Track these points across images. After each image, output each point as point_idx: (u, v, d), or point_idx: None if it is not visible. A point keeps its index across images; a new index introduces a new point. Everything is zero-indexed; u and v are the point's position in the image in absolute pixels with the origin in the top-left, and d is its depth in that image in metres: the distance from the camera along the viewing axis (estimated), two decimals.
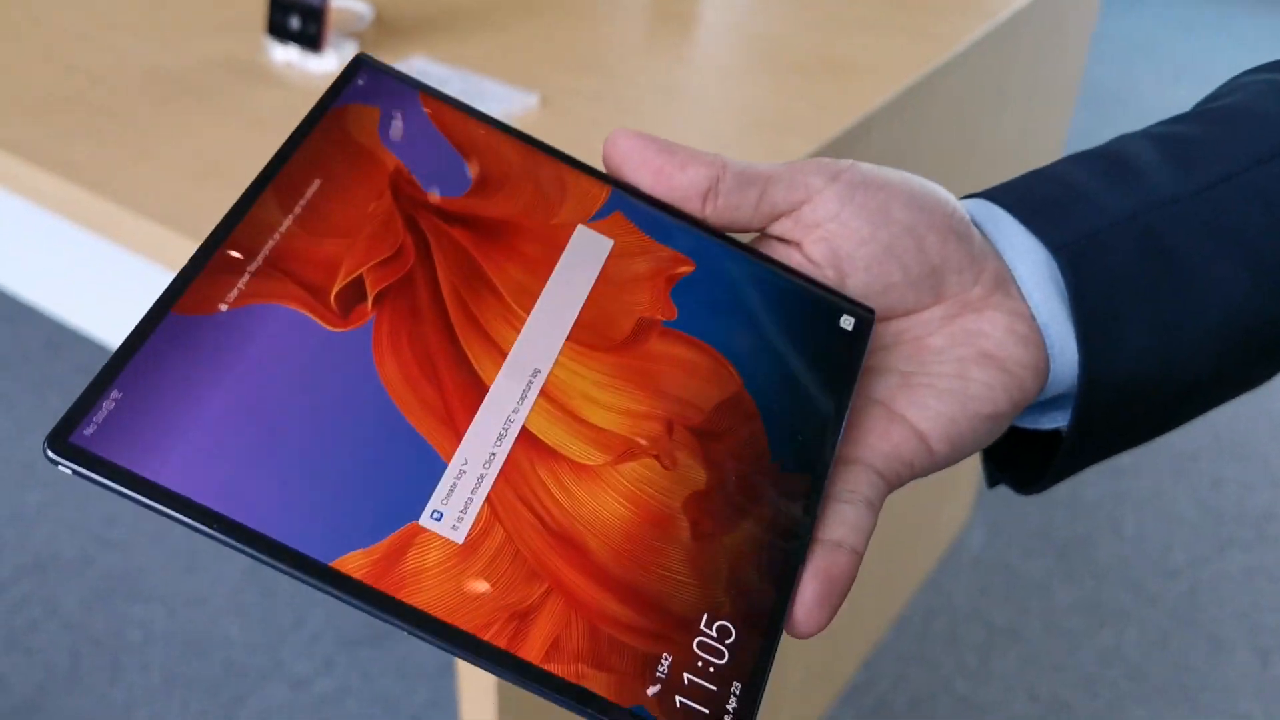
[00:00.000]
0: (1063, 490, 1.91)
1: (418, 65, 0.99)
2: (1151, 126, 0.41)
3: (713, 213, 0.35)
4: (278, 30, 0.99)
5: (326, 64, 0.99)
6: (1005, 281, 0.37)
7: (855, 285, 0.36)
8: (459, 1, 1.14)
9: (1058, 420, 0.39)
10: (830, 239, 0.36)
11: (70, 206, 0.83)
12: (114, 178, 0.83)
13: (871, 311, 0.35)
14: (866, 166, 0.36)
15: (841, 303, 0.35)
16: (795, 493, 0.31)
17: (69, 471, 0.26)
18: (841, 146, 0.94)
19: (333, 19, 1.01)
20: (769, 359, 0.34)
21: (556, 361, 0.32)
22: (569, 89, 0.98)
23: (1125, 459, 1.98)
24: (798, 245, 0.36)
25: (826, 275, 0.36)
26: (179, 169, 0.84)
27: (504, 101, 0.93)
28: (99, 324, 1.00)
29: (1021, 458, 0.43)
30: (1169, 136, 0.39)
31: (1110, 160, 0.39)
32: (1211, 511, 1.89)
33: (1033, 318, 0.36)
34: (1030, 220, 0.37)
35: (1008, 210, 0.38)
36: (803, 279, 0.36)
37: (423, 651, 1.59)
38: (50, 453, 0.26)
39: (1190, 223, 0.37)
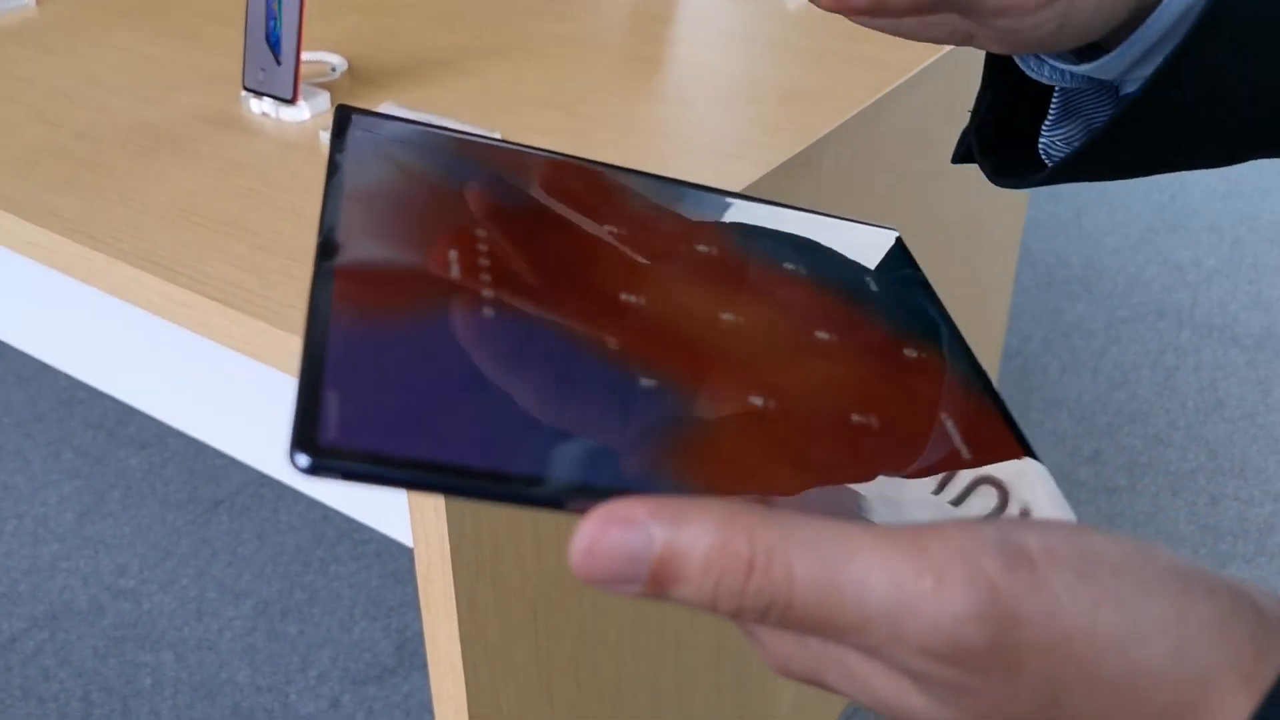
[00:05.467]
0: None
1: (383, 110, 1.04)
2: None
3: None
4: (252, 83, 1.04)
5: (300, 114, 1.03)
6: None
7: None
8: (430, 51, 1.19)
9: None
10: None
11: (51, 254, 0.87)
12: (91, 224, 0.87)
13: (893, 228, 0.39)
14: None
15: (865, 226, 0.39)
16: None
17: (338, 478, 0.24)
18: (794, 167, 0.98)
19: (305, 70, 1.06)
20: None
21: None
22: (530, 125, 1.02)
23: (1121, 478, 1.99)
24: None
25: None
26: (154, 214, 0.89)
27: None
28: (113, 381, 1.04)
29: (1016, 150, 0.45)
30: None
31: None
32: (1210, 528, 1.89)
33: None
34: None
35: None
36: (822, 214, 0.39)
37: (425, 689, 1.61)
38: (303, 459, 0.24)
39: None
